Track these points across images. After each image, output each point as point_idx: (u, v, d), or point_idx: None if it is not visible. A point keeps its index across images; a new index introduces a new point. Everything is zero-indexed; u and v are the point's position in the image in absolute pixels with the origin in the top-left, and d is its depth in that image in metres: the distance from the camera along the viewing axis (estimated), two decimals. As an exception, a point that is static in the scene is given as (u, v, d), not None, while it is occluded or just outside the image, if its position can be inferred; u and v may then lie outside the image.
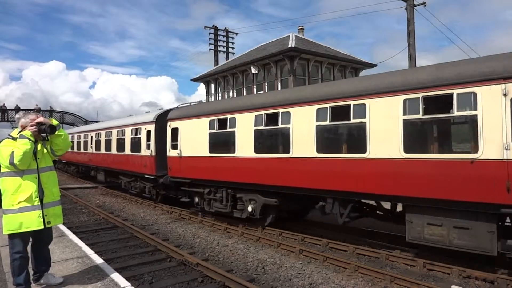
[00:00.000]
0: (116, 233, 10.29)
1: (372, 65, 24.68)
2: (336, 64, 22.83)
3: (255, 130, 9.29)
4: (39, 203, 4.13)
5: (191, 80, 29.66)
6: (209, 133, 10.69)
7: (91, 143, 21.38)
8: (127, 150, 16.00)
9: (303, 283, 6.46)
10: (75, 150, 24.93)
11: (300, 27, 25.45)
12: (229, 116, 10.06)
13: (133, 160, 15.33)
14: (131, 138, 15.63)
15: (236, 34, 33.57)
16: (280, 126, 8.73)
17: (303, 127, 8.16)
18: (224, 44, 32.80)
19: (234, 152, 9.81)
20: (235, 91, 24.95)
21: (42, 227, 4.12)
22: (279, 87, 20.71)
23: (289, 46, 20.03)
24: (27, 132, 4.16)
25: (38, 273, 4.49)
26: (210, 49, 32.18)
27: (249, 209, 9.61)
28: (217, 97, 27.16)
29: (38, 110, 37.94)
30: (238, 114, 9.78)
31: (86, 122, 42.04)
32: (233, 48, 33.20)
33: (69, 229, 8.11)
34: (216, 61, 31.58)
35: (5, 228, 4.06)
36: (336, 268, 7.20)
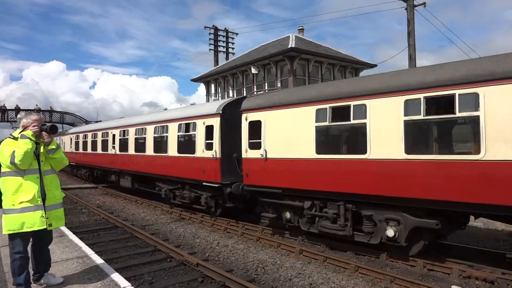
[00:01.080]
0: (116, 233, 10.29)
1: (372, 65, 24.70)
2: (336, 65, 22.84)
3: (407, 122, 6.56)
4: (42, 203, 4.13)
5: (191, 80, 29.69)
6: (316, 127, 7.95)
7: (114, 143, 17.84)
8: (172, 150, 12.78)
9: (303, 283, 6.46)
10: (89, 151, 21.56)
11: (300, 28, 25.46)
12: (353, 103, 7.37)
13: (182, 163, 12.16)
14: (179, 136, 12.47)
15: (236, 34, 33.62)
16: (463, 114, 5.99)
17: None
18: (224, 45, 32.83)
19: (363, 152, 7.16)
20: (235, 91, 24.96)
21: (45, 227, 4.12)
22: (279, 87, 20.70)
23: (289, 46, 20.04)
24: (29, 132, 4.16)
25: (38, 273, 4.49)
26: (210, 49, 32.21)
27: (389, 233, 6.89)
28: (217, 97, 27.16)
29: (38, 110, 37.95)
30: (372, 100, 7.08)
31: (86, 122, 41.97)
32: (233, 48, 33.23)
33: (69, 229, 8.12)
34: (216, 61, 31.59)
35: (6, 228, 4.06)
36: (336, 268, 7.20)
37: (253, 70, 22.10)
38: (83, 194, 18.90)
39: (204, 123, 11.19)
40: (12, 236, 4.12)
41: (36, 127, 4.19)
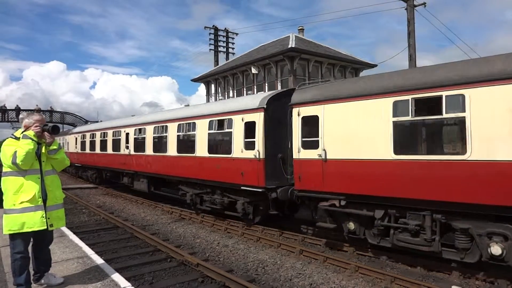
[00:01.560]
0: (116, 233, 10.29)
1: (372, 65, 24.70)
2: (336, 65, 22.84)
3: None
4: (42, 204, 4.13)
5: (191, 80, 29.68)
6: (393, 122, 6.66)
7: (128, 142, 16.35)
8: (201, 151, 11.37)
9: (303, 283, 6.46)
10: (98, 151, 19.96)
11: (300, 28, 25.46)
12: (445, 93, 6.07)
13: (213, 165, 10.80)
14: (210, 134, 11.09)
15: (236, 34, 33.62)
16: None
17: None
18: (224, 45, 32.83)
19: (460, 152, 6.02)
20: (235, 91, 24.97)
21: (45, 227, 4.12)
22: (279, 88, 20.71)
23: (289, 46, 20.03)
24: (30, 132, 4.16)
25: (39, 273, 4.49)
26: (210, 49, 32.21)
27: (495, 250, 5.65)
28: (217, 97, 27.17)
29: (38, 110, 37.93)
30: (475, 89, 5.80)
31: (87, 122, 42.02)
32: (233, 48, 33.23)
33: (70, 229, 8.11)
34: (216, 61, 31.59)
35: (6, 228, 4.06)
36: (336, 269, 7.20)
37: (253, 70, 22.10)
38: (83, 194, 18.90)
39: (242, 119, 9.82)
40: (13, 236, 4.12)
41: (38, 127, 4.19)
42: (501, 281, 6.10)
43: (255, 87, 22.99)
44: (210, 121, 11.13)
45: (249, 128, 9.65)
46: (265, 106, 9.33)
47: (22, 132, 4.24)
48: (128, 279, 5.28)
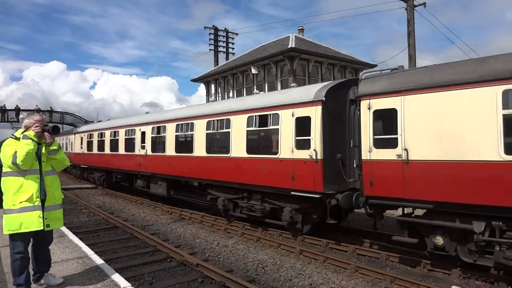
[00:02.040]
0: (116, 233, 10.29)
1: (372, 65, 24.73)
2: (336, 65, 22.87)
3: None
4: (40, 204, 4.13)
5: (191, 80, 29.72)
6: (504, 116, 5.56)
7: (144, 142, 14.87)
8: (237, 150, 10.02)
9: (303, 283, 6.46)
10: (107, 151, 18.42)
11: (300, 28, 25.50)
12: None
13: (253, 166, 9.46)
14: (250, 132, 9.73)
15: (236, 34, 33.68)
16: None
17: None
18: (224, 45, 32.86)
19: None
20: (235, 91, 24.98)
21: (42, 228, 4.12)
22: (279, 88, 20.73)
23: (289, 46, 20.06)
24: (31, 133, 4.16)
25: (38, 274, 4.50)
26: (210, 49, 32.26)
27: None
28: (217, 97, 27.17)
29: (38, 111, 37.93)
30: None
31: (86, 122, 42.00)
32: (233, 48, 33.31)
33: (69, 229, 8.12)
34: (216, 62, 31.63)
35: (5, 228, 4.06)
36: (336, 269, 7.20)
37: (253, 70, 22.13)
38: (83, 194, 18.90)
39: (293, 114, 8.55)
40: (12, 237, 4.13)
41: (38, 128, 4.20)
42: (501, 282, 6.10)
43: (255, 87, 23.00)
44: (248, 117, 9.77)
45: (302, 125, 8.40)
46: (323, 99, 8.00)
47: (22, 133, 4.24)
48: (128, 279, 5.28)
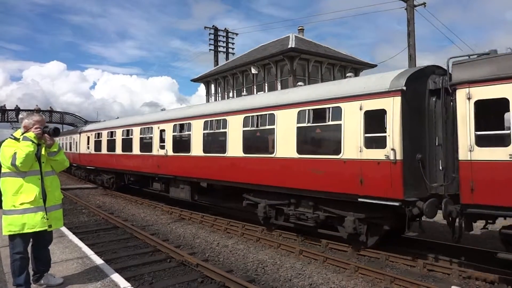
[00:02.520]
0: (116, 233, 10.28)
1: (372, 65, 24.74)
2: (336, 65, 22.87)
3: None
4: (43, 205, 4.14)
5: (191, 80, 29.73)
6: None
7: (164, 141, 13.52)
8: (284, 151, 8.74)
9: (303, 283, 6.46)
10: (118, 152, 16.72)
11: (300, 28, 25.51)
12: None
13: (306, 168, 8.24)
14: (301, 128, 8.47)
15: (236, 34, 33.70)
16: None
17: None
18: (224, 45, 32.86)
19: None
20: (235, 91, 24.99)
21: (46, 228, 4.14)
22: (279, 88, 20.73)
23: (289, 46, 20.07)
24: (31, 134, 4.15)
25: (38, 274, 4.49)
26: (210, 49, 32.26)
27: None
28: (217, 97, 27.18)
29: (38, 110, 37.94)
30: None
31: (86, 122, 42.00)
32: (233, 48, 33.33)
33: (69, 229, 8.12)
34: (216, 62, 31.63)
35: (6, 229, 4.06)
36: (336, 269, 7.19)
37: (253, 70, 22.14)
38: (83, 194, 18.90)
39: (361, 107, 7.28)
40: (12, 237, 4.12)
41: (38, 129, 4.19)
42: (501, 282, 6.10)
43: (254, 87, 23.02)
44: (299, 111, 8.47)
45: (374, 119, 7.25)
46: (403, 88, 6.76)
47: (22, 134, 4.23)
48: (127, 279, 5.28)
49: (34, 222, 4.06)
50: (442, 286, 6.10)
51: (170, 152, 13.09)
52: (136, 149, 15.36)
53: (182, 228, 11.02)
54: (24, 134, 4.17)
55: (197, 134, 11.77)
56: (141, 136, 15.03)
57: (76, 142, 23.26)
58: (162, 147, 13.55)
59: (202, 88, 53.81)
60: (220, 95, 27.00)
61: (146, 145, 14.72)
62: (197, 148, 11.77)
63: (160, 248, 8.47)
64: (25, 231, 4.04)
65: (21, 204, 4.04)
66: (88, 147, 20.69)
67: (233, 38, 33.36)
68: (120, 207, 15.09)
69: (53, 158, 4.37)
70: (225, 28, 33.15)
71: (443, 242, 8.17)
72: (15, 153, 4.00)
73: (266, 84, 22.40)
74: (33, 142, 4.11)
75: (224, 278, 6.33)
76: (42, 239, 4.38)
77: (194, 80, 29.48)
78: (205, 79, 28.35)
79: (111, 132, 17.76)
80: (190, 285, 6.36)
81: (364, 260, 7.67)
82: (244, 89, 23.92)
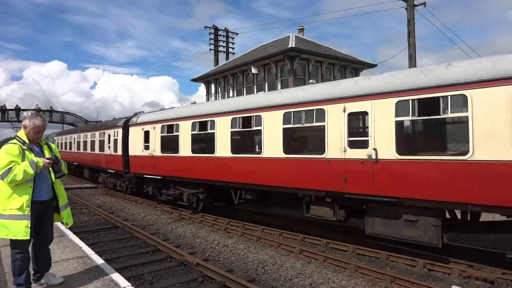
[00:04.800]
0: (116, 233, 10.29)
1: (373, 65, 24.73)
2: (336, 64, 22.86)
3: None
4: (29, 213, 4.03)
5: (191, 80, 29.70)
6: None
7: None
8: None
9: (303, 283, 6.47)
10: (220, 153, 10.29)
11: (300, 27, 25.49)
12: None
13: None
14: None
15: (236, 34, 33.65)
16: None
17: None
18: (224, 44, 32.84)
19: None
20: (235, 91, 24.98)
21: (28, 238, 4.03)
22: (279, 88, 20.72)
23: (289, 46, 20.05)
24: (40, 162, 4.10)
25: (39, 273, 4.49)
26: (210, 49, 32.23)
27: None
28: (217, 97, 27.17)
29: (38, 110, 37.95)
30: None
31: (87, 122, 42.03)
32: (233, 48, 33.26)
33: (69, 229, 8.10)
34: (216, 61, 31.61)
35: None
36: (336, 268, 7.20)
37: (253, 70, 22.13)
38: (83, 194, 18.90)
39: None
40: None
41: (48, 162, 4.19)
42: (501, 281, 6.11)
43: (255, 87, 23.01)
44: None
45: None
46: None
47: (14, 136, 4.27)
48: (128, 279, 5.28)
49: (16, 230, 3.96)
50: (442, 285, 6.09)
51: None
52: (272, 149, 8.77)
53: (182, 227, 11.02)
54: (33, 160, 4.08)
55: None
56: (287, 126, 8.51)
57: (115, 140, 16.80)
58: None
59: (203, 88, 53.88)
60: (220, 95, 26.99)
61: (309, 141, 9.42)
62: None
63: (160, 247, 8.48)
64: (9, 237, 3.99)
65: (10, 209, 3.97)
66: (149, 147, 13.88)
67: (233, 38, 33.35)
68: (120, 206, 15.08)
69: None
70: (225, 28, 33.14)
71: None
72: (11, 168, 3.92)
73: (266, 84, 22.39)
74: (37, 170, 4.05)
75: (224, 278, 6.34)
76: (42, 238, 4.38)
77: (194, 80, 29.46)
78: (206, 79, 28.34)
79: (202, 123, 11.18)
80: (190, 284, 6.36)
81: (364, 260, 7.67)
82: (244, 89, 23.91)
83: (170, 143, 12.78)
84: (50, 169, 4.30)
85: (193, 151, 11.60)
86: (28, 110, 36.38)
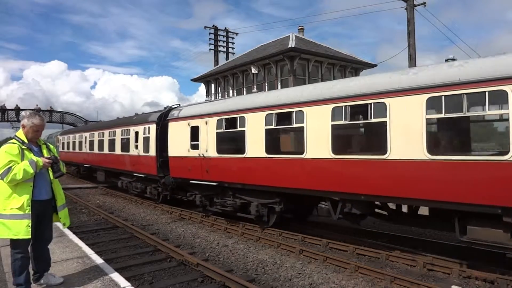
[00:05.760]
0: (116, 233, 10.29)
1: (372, 65, 24.73)
2: (336, 64, 22.86)
3: None
4: (30, 213, 4.04)
5: (191, 80, 29.70)
6: None
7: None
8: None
9: (303, 283, 6.46)
10: (311, 154, 7.84)
11: (300, 27, 25.48)
12: None
13: None
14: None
15: (236, 34, 33.63)
16: None
17: None
18: (224, 44, 32.83)
19: None
20: (235, 91, 24.98)
21: (29, 237, 4.04)
22: (279, 88, 20.72)
23: (289, 46, 20.05)
24: (39, 161, 4.11)
25: (38, 273, 4.49)
26: (210, 49, 32.21)
27: None
28: (217, 97, 27.17)
29: (38, 110, 37.91)
30: None
31: (87, 122, 41.98)
32: (233, 48, 33.25)
33: (69, 229, 8.10)
34: (216, 61, 31.60)
35: None
36: (336, 268, 7.19)
37: (253, 70, 22.12)
38: (83, 194, 18.89)
39: None
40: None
41: (48, 162, 4.21)
42: (501, 281, 6.10)
43: (255, 87, 22.99)
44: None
45: None
46: None
47: (15, 135, 4.27)
48: (128, 279, 5.28)
49: (18, 230, 3.97)
50: (442, 285, 6.09)
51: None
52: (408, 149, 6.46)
53: (182, 227, 11.02)
54: (32, 159, 4.09)
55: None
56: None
57: (146, 138, 14.19)
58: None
59: (203, 87, 53.86)
60: (220, 94, 26.99)
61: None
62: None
63: (160, 247, 8.48)
64: (10, 237, 4.00)
65: (11, 209, 3.98)
66: (196, 146, 11.28)
67: (233, 38, 33.33)
68: (120, 206, 15.08)
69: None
70: (225, 28, 33.12)
71: (443, 242, 8.19)
72: (11, 167, 3.92)
73: (266, 84, 22.39)
74: (36, 169, 4.06)
75: (224, 278, 6.34)
76: (42, 238, 4.38)
77: (194, 80, 29.46)
78: (205, 79, 28.34)
79: (283, 115, 8.73)
80: (190, 284, 6.36)
81: (364, 260, 7.67)
82: (244, 89, 23.91)
83: (231, 141, 10.37)
84: (49, 168, 4.31)
85: (268, 151, 8.97)
86: (27, 110, 36.38)
